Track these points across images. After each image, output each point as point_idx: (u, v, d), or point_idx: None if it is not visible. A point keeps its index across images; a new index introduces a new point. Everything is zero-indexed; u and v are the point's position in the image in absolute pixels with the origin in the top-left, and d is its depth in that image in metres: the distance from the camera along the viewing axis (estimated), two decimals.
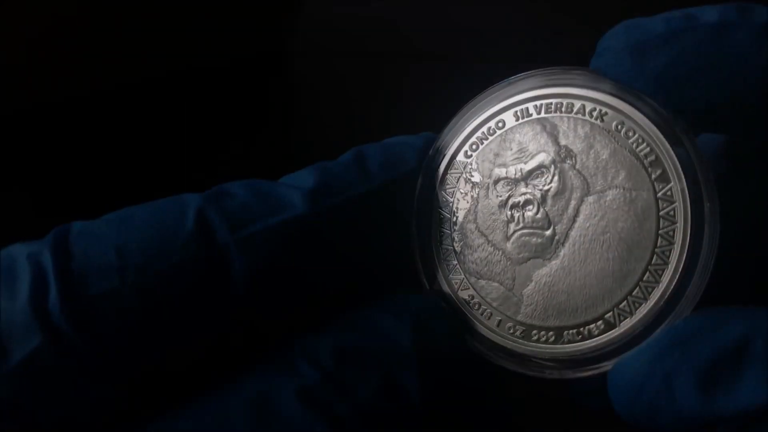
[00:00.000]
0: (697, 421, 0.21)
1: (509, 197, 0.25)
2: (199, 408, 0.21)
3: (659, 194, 0.23)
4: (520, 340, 0.24)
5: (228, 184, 0.23)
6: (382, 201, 0.24)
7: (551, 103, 0.24)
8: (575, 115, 0.24)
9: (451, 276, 0.25)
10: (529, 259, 0.24)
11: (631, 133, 0.23)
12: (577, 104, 0.24)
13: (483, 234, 0.25)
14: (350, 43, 0.46)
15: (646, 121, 0.23)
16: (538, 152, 0.24)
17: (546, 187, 0.24)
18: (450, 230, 0.25)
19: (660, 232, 0.23)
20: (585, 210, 0.24)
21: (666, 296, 0.22)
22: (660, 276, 0.23)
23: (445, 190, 0.25)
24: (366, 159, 0.24)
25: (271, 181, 0.23)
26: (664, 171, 0.23)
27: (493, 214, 0.25)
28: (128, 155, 0.41)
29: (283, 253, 0.22)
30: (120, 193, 0.37)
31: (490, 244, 0.25)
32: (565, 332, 0.23)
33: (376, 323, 0.23)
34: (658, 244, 0.23)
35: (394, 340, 0.23)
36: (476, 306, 0.25)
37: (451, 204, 0.25)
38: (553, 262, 0.24)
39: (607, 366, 0.23)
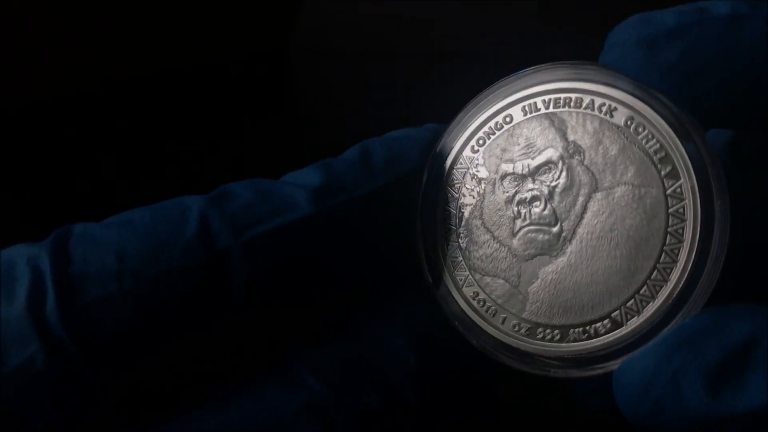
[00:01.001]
0: (704, 422, 0.21)
1: (516, 193, 0.24)
2: (204, 417, 0.21)
3: (669, 191, 0.22)
4: (525, 338, 0.24)
5: (231, 185, 0.23)
6: (387, 199, 0.24)
7: (560, 98, 0.24)
8: (584, 111, 0.24)
9: (455, 272, 0.25)
10: (535, 255, 0.24)
11: (640, 129, 0.23)
12: (586, 99, 0.24)
13: (489, 230, 0.24)
14: (350, 43, 0.46)
15: (657, 117, 0.23)
16: (546, 147, 0.24)
17: (553, 183, 0.24)
18: (455, 226, 0.25)
19: (669, 229, 0.22)
20: (593, 207, 0.23)
21: (674, 295, 0.22)
22: (668, 275, 0.22)
23: (451, 186, 0.25)
24: (371, 156, 0.24)
25: (275, 181, 0.23)
26: (674, 168, 0.22)
27: (499, 210, 0.24)
28: (126, 154, 0.41)
29: (288, 254, 0.22)
30: (117, 192, 0.37)
31: (495, 241, 0.24)
32: (571, 331, 0.23)
33: (381, 338, 0.23)
34: (667, 242, 0.22)
35: (400, 357, 0.23)
36: (481, 303, 0.24)
37: (456, 199, 0.25)
38: (560, 259, 0.23)
39: (613, 365, 0.22)
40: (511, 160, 0.24)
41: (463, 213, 0.25)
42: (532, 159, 0.24)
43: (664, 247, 0.22)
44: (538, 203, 0.24)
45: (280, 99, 0.45)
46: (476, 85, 0.26)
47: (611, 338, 0.23)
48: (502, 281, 0.24)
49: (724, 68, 0.22)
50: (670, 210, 0.22)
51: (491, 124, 0.25)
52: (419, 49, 0.46)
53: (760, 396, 0.20)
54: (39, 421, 0.19)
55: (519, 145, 0.24)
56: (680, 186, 0.22)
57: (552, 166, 0.24)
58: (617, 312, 0.23)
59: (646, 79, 0.23)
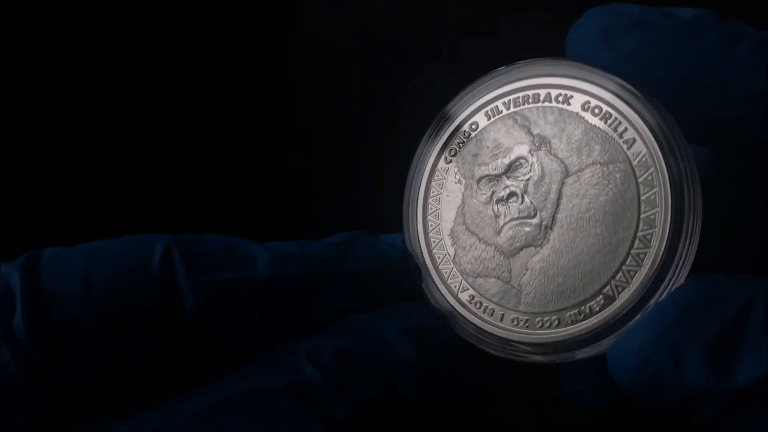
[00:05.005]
0: (701, 393, 0.21)
1: (493, 193, 0.25)
2: (192, 397, 0.21)
3: (634, 162, 0.23)
4: (525, 331, 0.24)
5: (201, 234, 0.24)
6: (349, 284, 0.25)
7: (518, 97, 0.25)
8: (543, 104, 0.25)
9: (449, 281, 0.25)
10: (521, 249, 0.24)
11: (597, 110, 0.24)
12: (543, 93, 0.25)
13: (473, 233, 0.25)
14: (350, 43, 0.46)
15: (611, 96, 0.24)
16: (514, 145, 0.25)
17: (526, 177, 0.24)
18: (441, 235, 0.26)
19: (642, 198, 0.23)
20: (567, 191, 0.24)
21: (659, 260, 0.22)
22: (650, 241, 0.23)
23: (430, 198, 0.26)
24: (351, 245, 0.25)
25: (245, 240, 0.24)
26: (635, 139, 0.23)
27: (480, 212, 0.25)
28: (123, 153, 0.41)
29: (235, 306, 0.23)
30: (115, 192, 0.37)
31: (481, 242, 0.25)
32: (568, 314, 0.23)
33: (382, 332, 0.23)
34: (643, 210, 0.23)
35: (399, 351, 0.23)
36: (477, 305, 0.25)
37: (438, 210, 0.26)
38: (545, 247, 0.24)
39: (611, 340, 0.23)
40: (484, 163, 0.25)
41: (446, 222, 0.26)
42: (503, 158, 0.25)
43: (641, 216, 0.23)
44: (515, 198, 0.25)
45: (280, 100, 0.45)
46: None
47: (607, 313, 0.23)
48: (494, 280, 0.25)
49: (680, 68, 0.23)
50: (639, 180, 0.23)
51: (459, 133, 0.26)
52: (419, 50, 0.46)
53: (758, 367, 0.20)
54: (11, 421, 0.20)
55: (488, 148, 0.25)
56: (644, 155, 0.23)
57: (522, 161, 0.25)
58: (608, 287, 0.23)
59: (600, 63, 0.24)
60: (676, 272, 0.22)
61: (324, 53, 0.46)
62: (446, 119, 0.26)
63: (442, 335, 0.25)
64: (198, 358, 0.22)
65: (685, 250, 0.22)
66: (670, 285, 0.22)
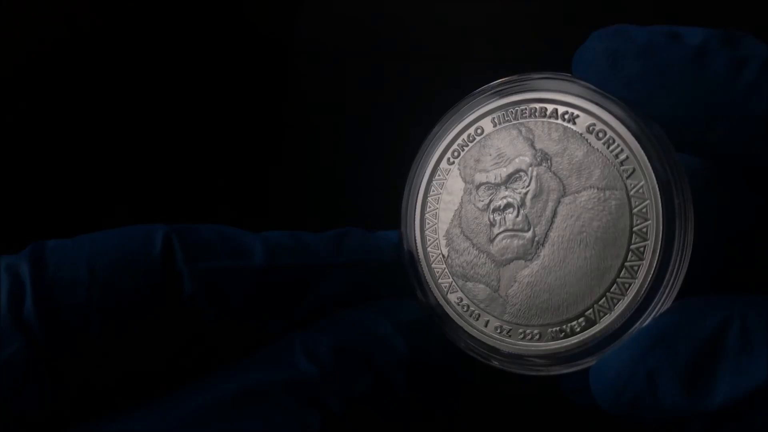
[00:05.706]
0: (679, 415, 0.22)
1: (491, 201, 0.25)
2: (194, 397, 0.22)
3: (632, 192, 0.23)
4: (507, 339, 0.25)
5: (198, 225, 0.25)
6: (342, 276, 0.25)
7: (526, 109, 0.25)
8: (549, 119, 0.25)
9: (440, 280, 0.26)
10: (512, 260, 0.25)
11: (601, 134, 0.24)
12: (550, 108, 0.25)
13: (468, 238, 0.26)
14: (350, 43, 0.46)
15: (617, 122, 0.24)
16: (516, 156, 0.25)
17: (524, 190, 0.25)
18: (436, 235, 0.26)
19: (634, 229, 0.23)
20: (562, 211, 0.24)
21: (642, 292, 0.23)
22: (636, 272, 0.23)
23: (430, 197, 0.26)
24: (346, 238, 0.26)
25: (239, 229, 0.25)
26: (635, 170, 0.23)
27: (476, 218, 0.26)
28: (122, 152, 0.42)
29: (233, 293, 0.23)
30: (112, 192, 0.38)
31: (474, 248, 0.26)
32: (549, 330, 0.24)
33: (375, 327, 0.24)
34: (633, 241, 0.23)
35: (392, 346, 0.24)
36: (465, 308, 0.26)
37: (436, 210, 0.26)
38: (535, 262, 0.25)
39: (590, 361, 0.24)
40: (485, 170, 0.26)
41: (443, 222, 0.26)
42: (504, 168, 0.25)
43: (631, 246, 0.23)
44: (511, 210, 0.25)
45: (280, 100, 0.45)
46: (472, 86, 0.26)
47: (586, 336, 0.24)
48: (483, 286, 0.25)
49: (687, 94, 0.23)
50: (634, 210, 0.23)
51: (464, 136, 0.26)
52: (418, 50, 0.46)
53: (737, 386, 0.21)
54: (21, 409, 0.21)
55: (491, 155, 0.26)
56: (642, 187, 0.23)
57: (522, 174, 0.25)
58: (590, 310, 0.24)
59: (607, 87, 0.24)
60: (660, 301, 0.23)
61: (324, 53, 0.45)
62: (453, 120, 0.26)
63: (432, 332, 0.26)
64: (195, 350, 0.23)
65: (670, 282, 0.23)
66: (654, 313, 0.23)
